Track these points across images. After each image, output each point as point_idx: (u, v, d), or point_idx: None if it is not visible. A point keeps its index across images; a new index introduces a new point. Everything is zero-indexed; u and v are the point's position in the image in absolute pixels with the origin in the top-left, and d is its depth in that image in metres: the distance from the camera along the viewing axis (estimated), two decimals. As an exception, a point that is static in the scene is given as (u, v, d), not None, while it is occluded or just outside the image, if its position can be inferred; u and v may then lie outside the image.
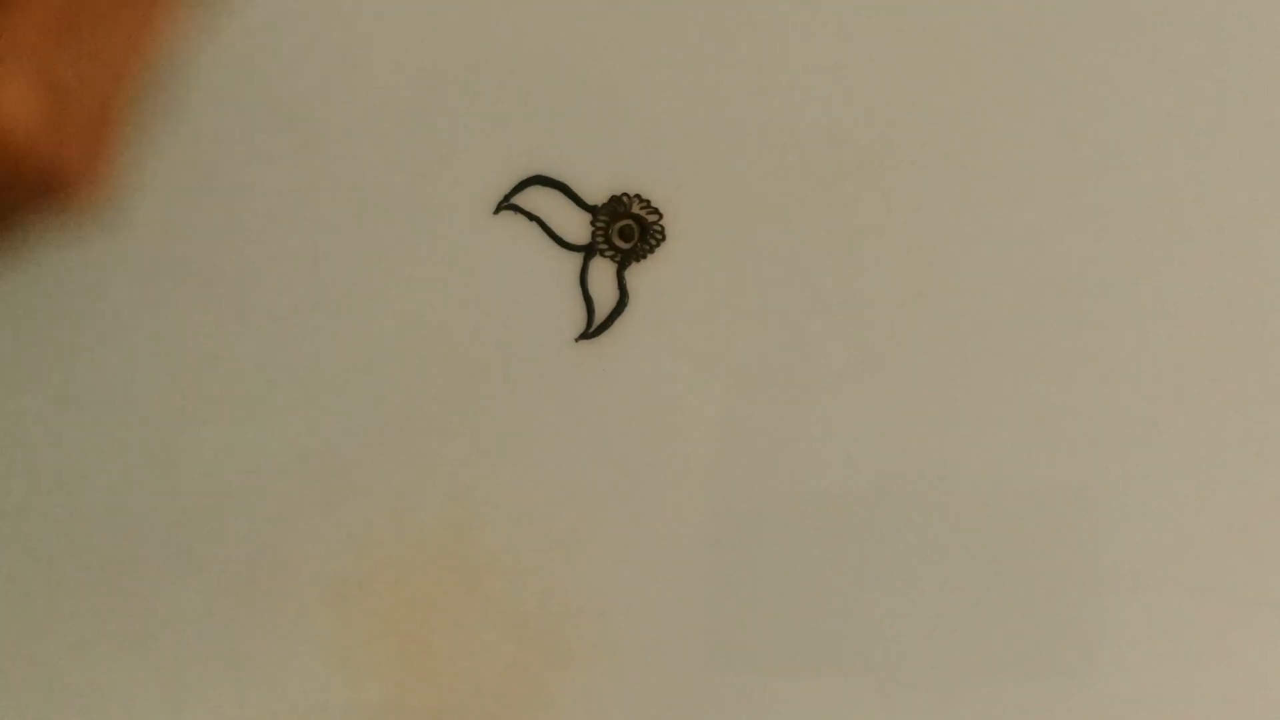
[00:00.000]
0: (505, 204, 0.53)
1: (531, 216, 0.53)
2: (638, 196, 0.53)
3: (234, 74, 0.53)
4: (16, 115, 0.39)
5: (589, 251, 0.53)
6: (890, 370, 0.53)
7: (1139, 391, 0.53)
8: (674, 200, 0.53)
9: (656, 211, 0.53)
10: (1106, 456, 0.53)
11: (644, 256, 0.53)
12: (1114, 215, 0.53)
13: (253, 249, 0.52)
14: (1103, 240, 0.53)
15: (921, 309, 0.53)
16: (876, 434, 0.52)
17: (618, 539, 0.53)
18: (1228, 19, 0.53)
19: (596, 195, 0.53)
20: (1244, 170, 0.53)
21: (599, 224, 0.53)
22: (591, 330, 0.53)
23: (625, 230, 0.53)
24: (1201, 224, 0.53)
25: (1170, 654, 0.52)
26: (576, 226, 0.53)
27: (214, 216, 0.52)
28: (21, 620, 0.52)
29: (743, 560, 0.52)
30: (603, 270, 0.53)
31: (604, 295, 0.53)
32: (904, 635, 0.52)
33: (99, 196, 0.41)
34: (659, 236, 0.53)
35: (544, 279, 0.53)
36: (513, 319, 0.52)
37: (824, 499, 0.52)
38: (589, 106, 0.53)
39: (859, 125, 0.53)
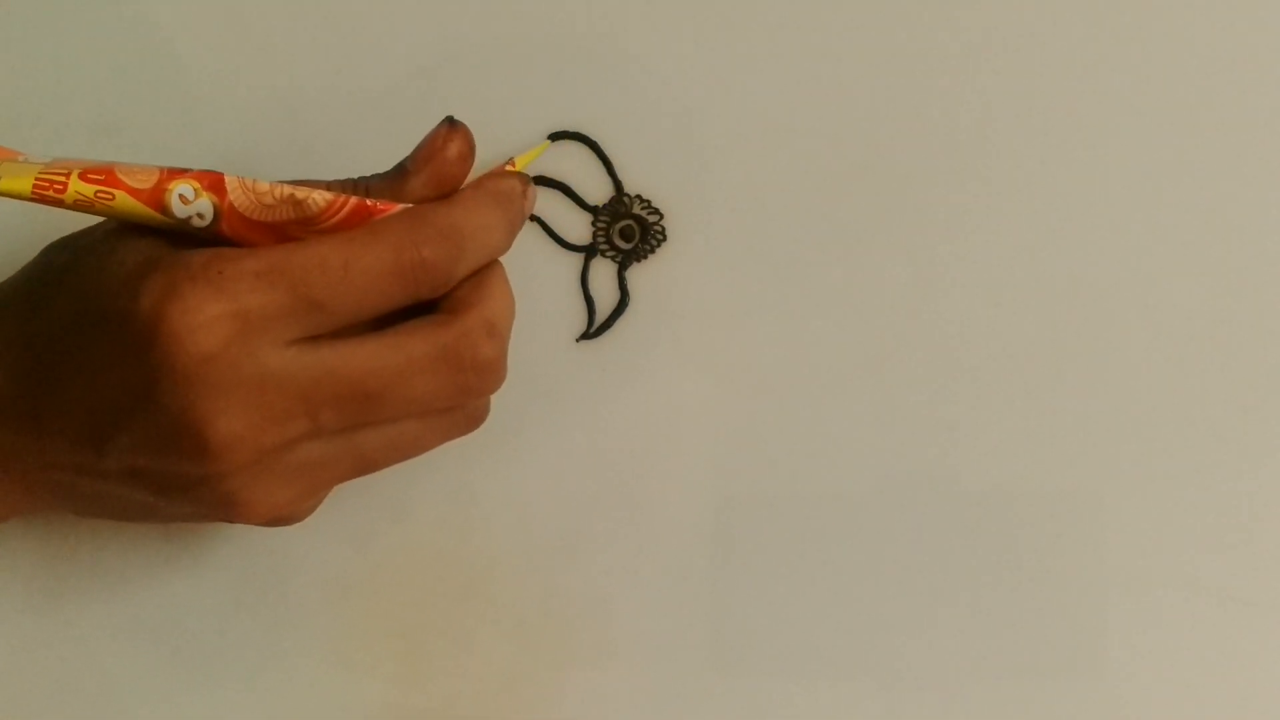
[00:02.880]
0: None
1: (533, 217, 0.53)
2: (639, 197, 0.53)
3: (235, 75, 0.53)
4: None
5: (590, 252, 0.53)
6: (891, 370, 0.53)
7: (1143, 394, 0.53)
8: (675, 201, 0.53)
9: (657, 212, 0.53)
10: (1109, 459, 0.53)
11: (645, 257, 0.53)
12: (1115, 217, 0.53)
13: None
14: (1105, 243, 0.53)
15: (922, 309, 0.53)
16: (877, 434, 0.53)
17: (618, 539, 0.53)
18: (1228, 19, 0.53)
19: (597, 195, 0.53)
20: (1246, 171, 0.53)
21: (600, 224, 0.53)
22: (592, 330, 0.53)
23: (626, 231, 0.53)
24: (1204, 226, 0.53)
25: (1174, 655, 0.52)
26: (578, 227, 0.53)
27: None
28: (23, 620, 0.52)
29: (743, 560, 0.52)
30: (604, 270, 0.53)
31: (605, 295, 0.53)
32: (904, 635, 0.52)
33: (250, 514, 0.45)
34: (660, 237, 0.53)
35: (545, 279, 0.53)
36: (514, 319, 0.52)
37: (824, 499, 0.53)
38: (589, 107, 0.53)
39: (859, 128, 0.53)
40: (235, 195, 0.44)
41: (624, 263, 0.53)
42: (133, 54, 0.53)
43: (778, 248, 0.53)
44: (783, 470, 0.53)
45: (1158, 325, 0.53)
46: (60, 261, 0.46)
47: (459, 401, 0.46)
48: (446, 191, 0.46)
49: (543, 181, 0.53)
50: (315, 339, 0.43)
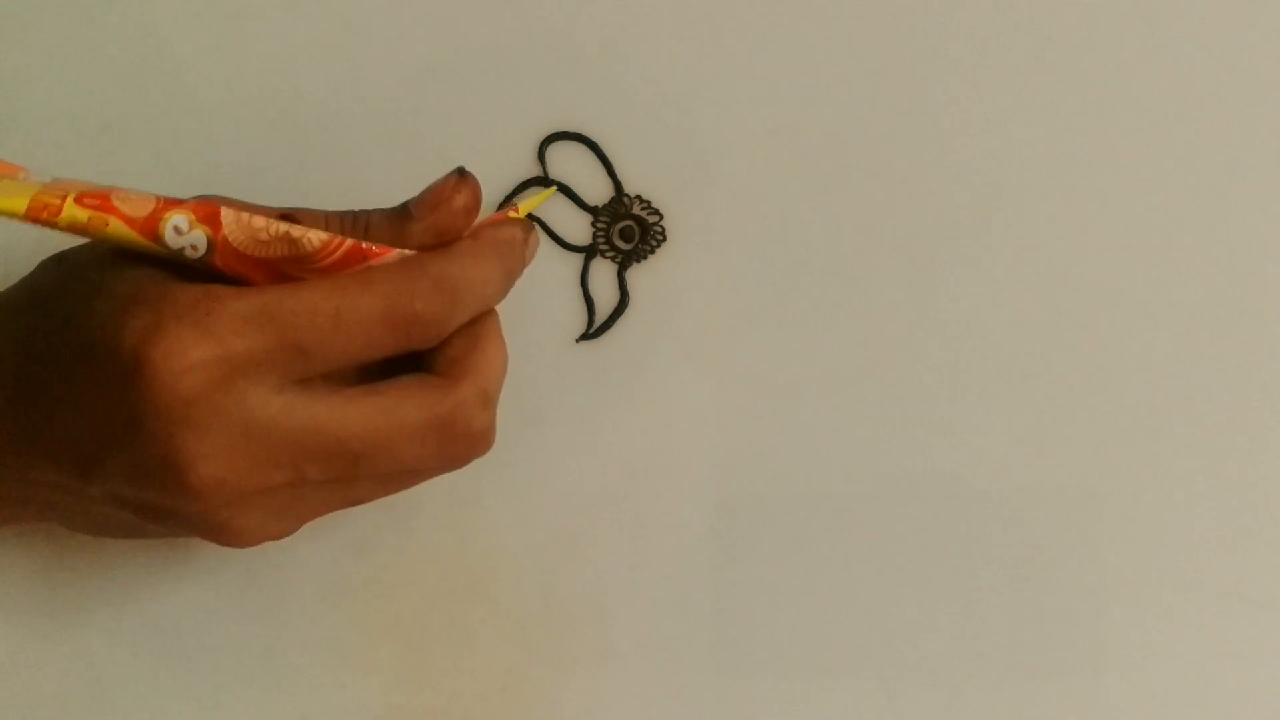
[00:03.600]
0: (506, 204, 0.53)
1: (533, 217, 0.53)
2: (638, 197, 0.53)
3: (234, 76, 0.53)
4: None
5: (590, 252, 0.53)
6: (891, 371, 0.53)
7: (1144, 393, 0.53)
8: (675, 201, 0.53)
9: (657, 212, 0.53)
10: (1111, 458, 0.53)
11: (645, 257, 0.53)
12: (1116, 218, 0.53)
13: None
14: (1106, 243, 0.53)
15: (922, 310, 0.53)
16: (877, 434, 0.53)
17: (618, 540, 0.53)
18: (1228, 19, 0.53)
19: (597, 196, 0.53)
20: (1248, 171, 0.53)
21: (600, 225, 0.53)
22: (592, 331, 0.53)
23: (626, 231, 0.53)
24: (1206, 225, 0.53)
25: (1177, 654, 0.52)
26: (577, 227, 0.53)
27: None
28: (23, 623, 0.52)
29: (743, 561, 0.52)
30: (604, 271, 0.53)
31: (605, 296, 0.53)
32: (905, 635, 0.52)
33: (227, 539, 0.45)
34: (660, 237, 0.53)
35: (545, 280, 0.53)
36: (514, 320, 0.52)
37: (824, 499, 0.53)
38: (589, 107, 0.53)
39: (859, 128, 0.53)
40: (230, 229, 0.43)
41: (624, 263, 0.53)
42: (132, 55, 0.53)
43: (777, 248, 0.53)
44: (783, 471, 0.53)
45: (1159, 324, 0.53)
46: (53, 282, 0.45)
47: (446, 469, 0.46)
48: (447, 241, 0.45)
49: (543, 182, 0.53)
50: (305, 386, 0.43)
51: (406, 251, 0.45)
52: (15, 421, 0.44)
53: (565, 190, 0.53)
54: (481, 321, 0.46)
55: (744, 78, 0.53)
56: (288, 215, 0.45)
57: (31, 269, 0.47)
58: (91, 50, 0.53)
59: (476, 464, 0.52)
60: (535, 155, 0.53)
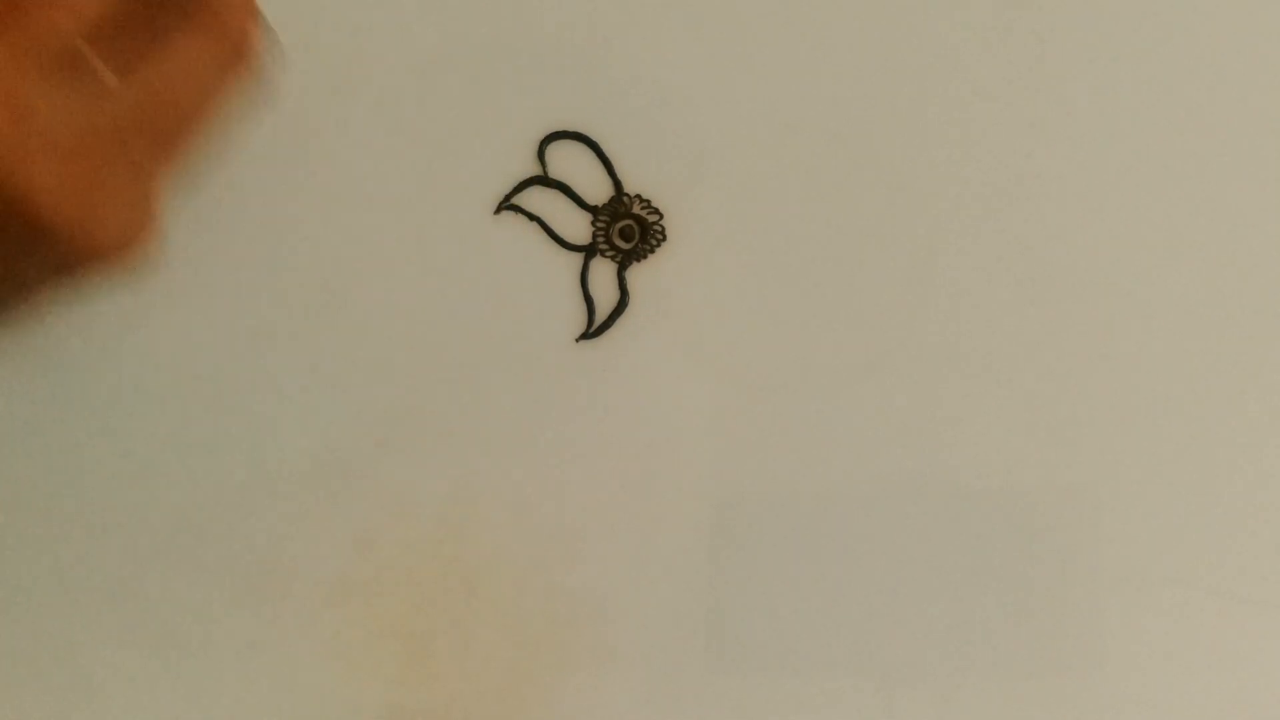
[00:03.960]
0: (506, 204, 0.53)
1: (532, 217, 0.53)
2: (638, 197, 0.53)
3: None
4: (40, 186, 0.40)
5: (590, 252, 0.53)
6: (891, 369, 0.53)
7: (1143, 391, 0.53)
8: (675, 201, 0.53)
9: (657, 212, 0.53)
10: (1109, 456, 0.53)
11: (644, 257, 0.53)
12: (1116, 216, 0.53)
13: (254, 249, 0.52)
14: (1105, 241, 0.53)
15: (922, 308, 0.53)
16: (877, 433, 0.53)
17: (618, 539, 0.53)
18: (1228, 19, 0.53)
19: (597, 195, 0.53)
20: (1250, 171, 0.53)
21: (600, 224, 0.53)
22: (592, 330, 0.53)
23: (626, 230, 0.53)
24: (1206, 224, 0.53)
25: (1175, 653, 0.52)
26: (577, 227, 0.53)
27: (215, 216, 0.52)
28: (25, 619, 0.52)
29: (743, 560, 0.52)
30: (603, 270, 0.53)
31: (605, 295, 0.53)
32: (905, 635, 0.53)
33: (135, 261, 0.42)
34: (659, 237, 0.53)
35: (545, 279, 0.53)
36: (513, 319, 0.52)
37: (824, 498, 0.53)
38: (589, 107, 0.53)
39: (859, 127, 0.53)
40: None
41: (624, 262, 0.53)
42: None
43: (778, 247, 0.53)
44: (783, 470, 0.53)
45: (1157, 322, 0.53)
46: None
47: (247, 79, 0.44)
48: None
49: (543, 182, 0.53)
50: (72, 66, 0.40)
51: None
52: None
53: (565, 190, 0.53)
54: None
55: (744, 77, 0.53)
56: None
57: None
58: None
59: (477, 464, 0.52)
60: (535, 154, 0.53)
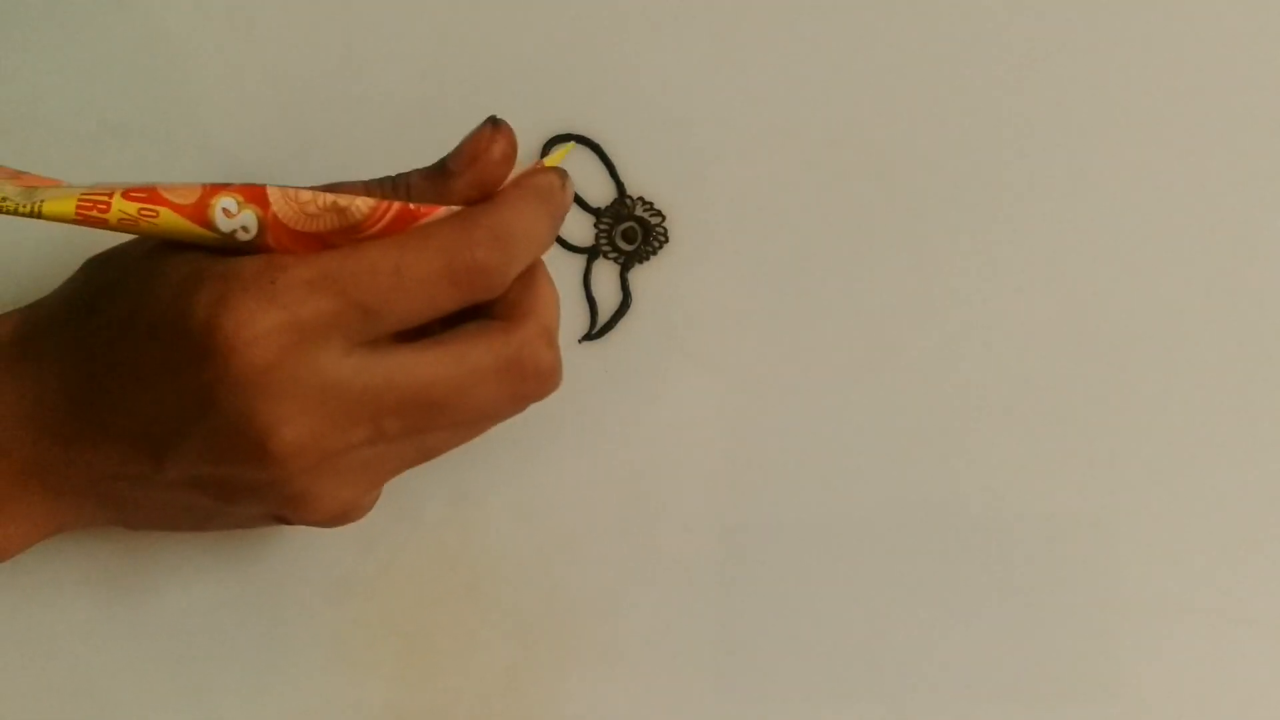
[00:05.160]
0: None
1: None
2: (641, 199, 0.53)
3: (240, 76, 0.53)
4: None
5: (592, 253, 0.53)
6: (895, 373, 0.53)
7: (1153, 413, 0.53)
8: (677, 203, 0.53)
9: (660, 214, 0.53)
10: (1120, 480, 0.53)
11: (647, 259, 0.53)
12: (1126, 225, 0.53)
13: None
14: (1115, 253, 0.53)
15: (924, 309, 0.53)
16: (879, 435, 0.53)
17: (618, 539, 0.53)
18: (1229, 19, 0.54)
19: (600, 197, 0.53)
20: (1262, 183, 0.53)
21: (602, 226, 0.53)
22: (595, 332, 0.53)
23: (628, 232, 0.53)
24: (1215, 236, 0.53)
25: (1184, 678, 0.52)
26: (580, 229, 0.53)
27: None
28: (23, 620, 0.52)
29: (745, 562, 0.53)
30: (606, 272, 0.53)
31: (607, 297, 0.53)
32: (905, 636, 0.53)
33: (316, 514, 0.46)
34: (662, 239, 0.53)
35: (548, 280, 0.53)
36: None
37: (826, 501, 0.53)
38: (592, 109, 0.53)
39: (861, 129, 0.53)
40: (278, 206, 0.44)
41: (626, 264, 0.53)
42: (133, 54, 0.53)
43: (780, 249, 0.53)
44: (784, 471, 0.53)
45: (1165, 342, 0.53)
46: (107, 275, 0.46)
47: (518, 408, 0.46)
48: (489, 192, 0.46)
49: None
50: (374, 346, 0.43)
51: (454, 208, 0.45)
52: (81, 413, 0.44)
53: (568, 191, 0.53)
54: (534, 269, 0.46)
55: (745, 79, 0.53)
56: (329, 189, 0.45)
57: (56, 276, 0.47)
58: (92, 50, 0.53)
59: (479, 465, 0.53)
60: (539, 157, 0.53)
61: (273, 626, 0.52)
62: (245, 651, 0.52)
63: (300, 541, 0.52)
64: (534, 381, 0.45)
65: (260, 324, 0.42)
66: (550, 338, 0.46)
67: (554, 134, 0.53)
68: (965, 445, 0.53)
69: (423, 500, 0.52)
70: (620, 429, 0.53)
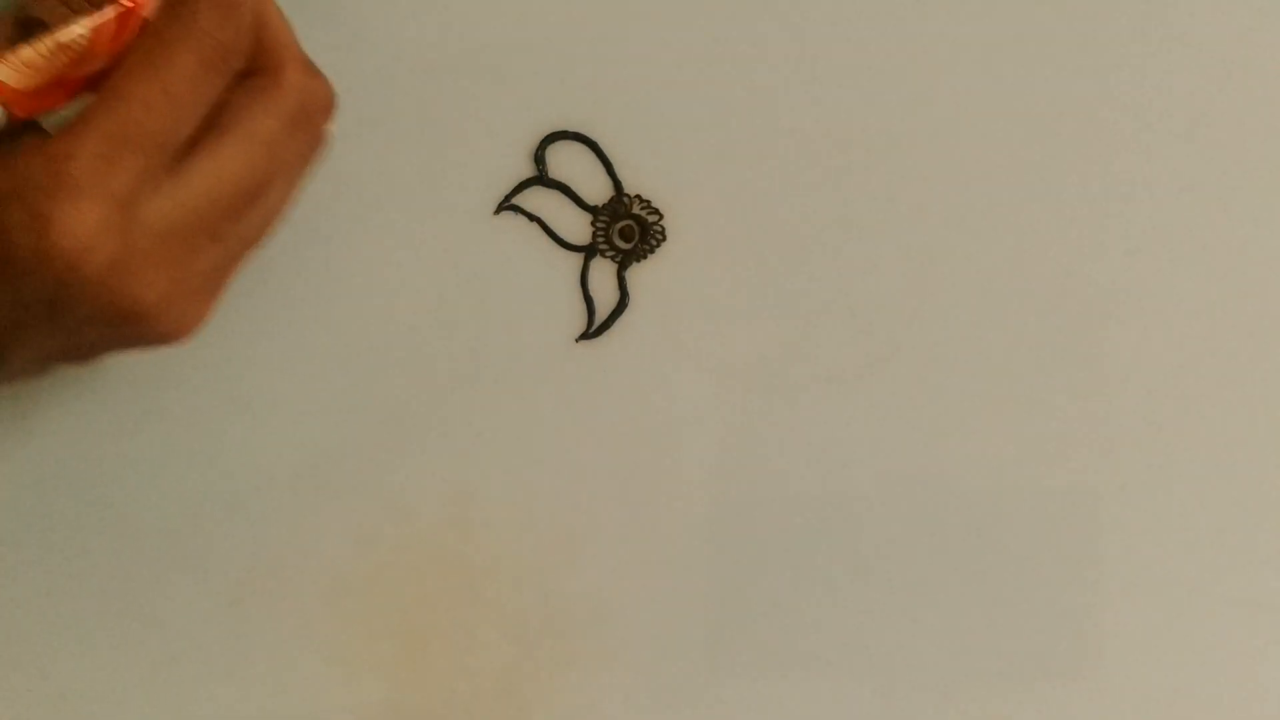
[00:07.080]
0: (506, 204, 0.53)
1: (532, 217, 0.53)
2: (638, 197, 0.53)
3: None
4: (146, 283, 0.43)
5: (589, 252, 0.53)
6: (891, 370, 0.53)
7: (1143, 394, 0.53)
8: (674, 201, 0.53)
9: (657, 212, 0.53)
10: (1110, 459, 0.53)
11: (644, 257, 0.53)
12: (1116, 217, 0.53)
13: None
14: (1105, 242, 0.53)
15: (921, 309, 0.53)
16: (877, 434, 0.53)
17: (618, 539, 0.53)
18: (1229, 20, 0.53)
19: (597, 195, 0.53)
20: (1251, 173, 0.53)
21: (599, 224, 0.53)
22: (592, 330, 0.53)
23: (626, 231, 0.53)
24: (1206, 226, 0.53)
25: (1173, 656, 0.52)
26: (577, 227, 0.53)
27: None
28: (23, 620, 0.52)
29: (742, 561, 0.53)
30: (603, 270, 0.53)
31: (604, 295, 0.53)
32: (905, 637, 0.53)
33: (185, 337, 0.45)
34: (659, 237, 0.53)
35: (545, 279, 0.53)
36: (513, 319, 0.52)
37: (824, 499, 0.53)
38: (589, 107, 0.53)
39: (859, 127, 0.53)
40: (8, 78, 0.42)
41: (624, 262, 0.53)
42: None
43: (777, 247, 0.53)
44: (782, 470, 0.53)
45: (1156, 325, 0.53)
46: None
47: (321, 143, 0.47)
48: None
49: (543, 182, 0.53)
50: (176, 170, 0.43)
51: None
52: None
53: (565, 190, 0.53)
54: (257, 10, 0.45)
55: (744, 77, 0.53)
56: (23, 20, 0.44)
57: None
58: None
59: (477, 464, 0.52)
60: (534, 155, 0.53)
61: (270, 627, 0.52)
62: (243, 652, 0.52)
63: (300, 541, 0.52)
64: (322, 114, 0.46)
65: (85, 225, 0.41)
66: (309, 66, 0.46)
67: (551, 131, 0.53)
68: (966, 445, 0.53)
69: (420, 500, 0.52)
70: (617, 427, 0.53)
